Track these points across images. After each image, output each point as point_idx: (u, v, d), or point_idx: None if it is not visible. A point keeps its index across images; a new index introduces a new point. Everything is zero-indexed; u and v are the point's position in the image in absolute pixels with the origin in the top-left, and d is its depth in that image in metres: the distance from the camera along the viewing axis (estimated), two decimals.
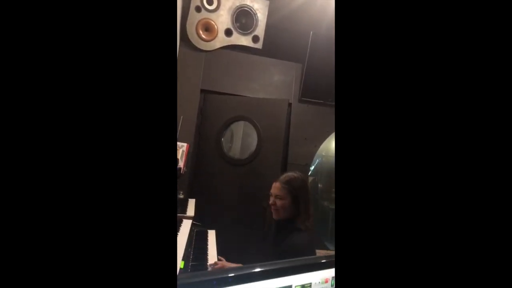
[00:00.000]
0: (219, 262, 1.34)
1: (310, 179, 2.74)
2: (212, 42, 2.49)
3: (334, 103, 2.61)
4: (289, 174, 1.27)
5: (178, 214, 1.67)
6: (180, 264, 1.21)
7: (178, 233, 1.37)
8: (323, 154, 2.68)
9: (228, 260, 1.39)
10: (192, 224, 1.70)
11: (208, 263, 1.34)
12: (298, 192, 1.21)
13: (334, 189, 2.70)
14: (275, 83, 2.62)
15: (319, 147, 2.64)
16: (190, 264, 1.29)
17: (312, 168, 2.68)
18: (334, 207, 2.62)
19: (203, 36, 2.46)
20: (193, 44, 2.45)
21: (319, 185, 2.73)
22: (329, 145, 2.68)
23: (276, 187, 1.25)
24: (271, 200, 1.24)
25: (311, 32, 2.48)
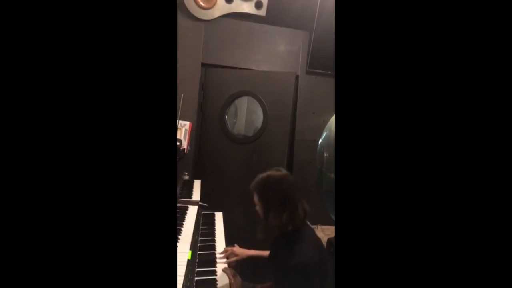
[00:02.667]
0: (230, 248, 1.30)
1: (318, 148, 2.66)
2: (211, 10, 2.29)
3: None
4: (261, 174, 1.10)
5: (184, 199, 1.62)
6: (187, 254, 1.17)
7: (184, 222, 1.32)
8: (332, 128, 2.56)
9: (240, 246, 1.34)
10: (199, 206, 1.66)
11: (217, 252, 1.30)
12: (263, 194, 1.04)
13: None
14: (281, 53, 2.44)
15: (328, 121, 2.52)
16: (197, 253, 1.25)
17: (319, 141, 2.58)
18: None
19: (201, 3, 2.25)
20: (191, 13, 2.26)
21: (325, 155, 2.66)
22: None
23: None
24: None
25: None
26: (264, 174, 1.08)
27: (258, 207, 1.07)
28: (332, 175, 2.83)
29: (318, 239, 1.08)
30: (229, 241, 1.43)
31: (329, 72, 2.45)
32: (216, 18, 2.31)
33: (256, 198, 1.07)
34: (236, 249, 1.29)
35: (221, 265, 1.20)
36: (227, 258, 1.27)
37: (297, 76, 2.41)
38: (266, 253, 1.32)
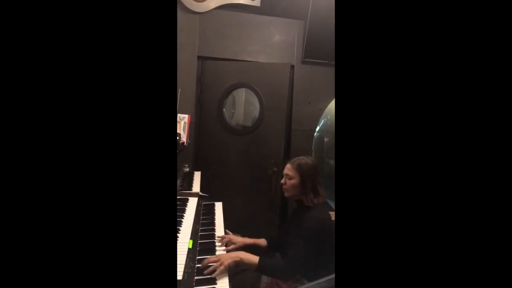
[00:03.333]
0: (226, 236, 1.39)
1: (317, 135, 2.71)
2: (206, 2, 2.29)
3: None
4: (301, 158, 1.39)
5: (184, 191, 1.69)
6: (188, 243, 1.26)
7: (184, 213, 1.40)
8: (328, 117, 2.61)
9: (235, 233, 1.44)
10: (199, 197, 1.74)
11: (216, 240, 1.39)
12: (306, 173, 1.33)
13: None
14: (276, 43, 2.46)
15: (324, 110, 2.56)
16: (198, 242, 1.33)
17: (317, 129, 2.63)
18: None
19: None
20: (185, 6, 2.27)
21: (325, 140, 2.71)
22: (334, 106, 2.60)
23: (287, 168, 1.37)
24: (283, 179, 1.36)
25: None
26: (309, 160, 1.39)
27: (291, 181, 1.34)
28: (332, 161, 2.89)
29: (327, 218, 1.34)
30: (228, 229, 1.51)
31: (326, 61, 2.47)
32: (211, 10, 2.32)
33: (293, 173, 1.34)
34: (233, 237, 1.38)
35: (220, 252, 1.28)
36: (226, 245, 1.35)
37: (292, 66, 2.44)
38: (260, 241, 1.44)
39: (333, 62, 2.46)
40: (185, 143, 2.21)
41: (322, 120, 2.64)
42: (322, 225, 1.25)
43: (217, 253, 1.28)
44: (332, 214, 2.46)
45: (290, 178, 1.34)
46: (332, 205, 2.59)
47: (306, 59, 2.45)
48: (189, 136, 2.28)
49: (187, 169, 2.12)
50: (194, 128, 2.39)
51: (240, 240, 1.39)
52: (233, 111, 2.59)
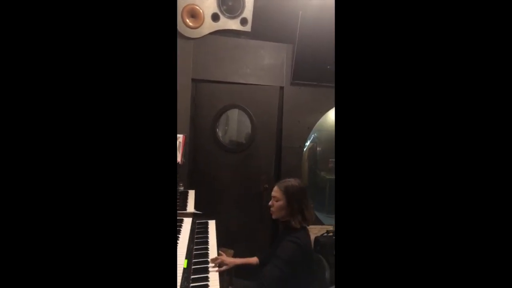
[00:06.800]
0: (219, 257, 1.49)
1: (311, 145, 2.85)
2: (199, 29, 2.43)
3: (325, 84, 2.61)
4: (288, 180, 1.46)
5: (179, 211, 1.80)
6: (184, 263, 1.36)
7: (179, 235, 1.51)
8: (316, 134, 2.75)
9: (227, 250, 1.55)
10: (194, 216, 1.84)
11: (209, 259, 1.49)
12: (292, 195, 1.40)
13: (331, 159, 2.83)
14: (266, 66, 2.60)
15: (312, 128, 2.70)
16: (192, 261, 1.43)
17: (307, 143, 2.77)
18: (331, 177, 2.77)
19: (190, 23, 2.39)
20: (180, 32, 2.40)
21: (318, 149, 2.85)
22: (323, 122, 2.74)
23: (275, 190, 1.46)
24: (271, 202, 1.44)
25: (300, 12, 2.40)
26: (296, 182, 1.45)
27: (278, 202, 1.42)
28: (322, 173, 3.04)
29: (307, 243, 1.39)
30: (221, 246, 1.62)
31: (313, 82, 2.61)
32: (204, 36, 2.46)
33: (279, 195, 1.42)
34: (225, 258, 1.49)
35: (213, 273, 1.39)
36: (218, 266, 1.45)
37: (282, 88, 2.57)
38: (251, 260, 1.54)
39: (320, 83, 2.61)
40: (180, 162, 2.31)
41: (312, 135, 2.79)
42: (301, 250, 1.32)
43: (210, 274, 1.39)
44: (323, 228, 2.58)
45: (277, 200, 1.42)
46: (323, 219, 2.71)
47: (294, 81, 2.59)
48: (183, 155, 2.39)
49: (181, 188, 2.23)
50: (189, 147, 2.50)
51: (231, 260, 1.49)
52: (227, 127, 2.71)
